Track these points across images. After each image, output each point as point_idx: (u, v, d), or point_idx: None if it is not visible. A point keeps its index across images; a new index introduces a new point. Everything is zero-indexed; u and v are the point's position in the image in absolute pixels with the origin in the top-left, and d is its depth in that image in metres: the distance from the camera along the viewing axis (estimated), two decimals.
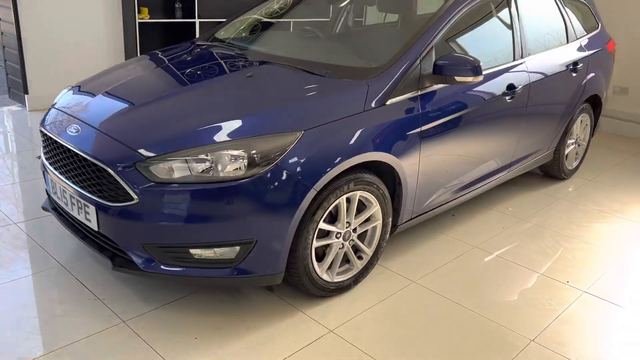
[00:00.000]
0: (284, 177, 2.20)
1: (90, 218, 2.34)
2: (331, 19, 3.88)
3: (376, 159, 2.49)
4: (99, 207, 2.27)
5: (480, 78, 2.73)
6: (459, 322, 2.52)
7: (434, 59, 2.74)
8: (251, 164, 2.17)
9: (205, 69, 2.91)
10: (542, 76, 3.56)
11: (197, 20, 6.10)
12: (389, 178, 2.70)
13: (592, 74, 4.12)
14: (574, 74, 3.90)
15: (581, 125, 4.33)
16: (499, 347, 2.36)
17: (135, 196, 2.17)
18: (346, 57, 3.10)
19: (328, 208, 2.39)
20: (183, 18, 6.06)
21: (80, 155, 2.34)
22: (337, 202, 2.42)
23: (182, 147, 2.19)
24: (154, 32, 6.06)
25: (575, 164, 4.47)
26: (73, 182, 2.40)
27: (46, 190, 2.76)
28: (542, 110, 3.66)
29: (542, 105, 3.64)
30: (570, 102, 3.93)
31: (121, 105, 2.57)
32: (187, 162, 2.17)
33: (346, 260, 2.65)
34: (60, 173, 2.50)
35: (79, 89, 2.88)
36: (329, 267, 2.56)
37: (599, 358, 2.36)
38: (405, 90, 2.66)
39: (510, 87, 3.24)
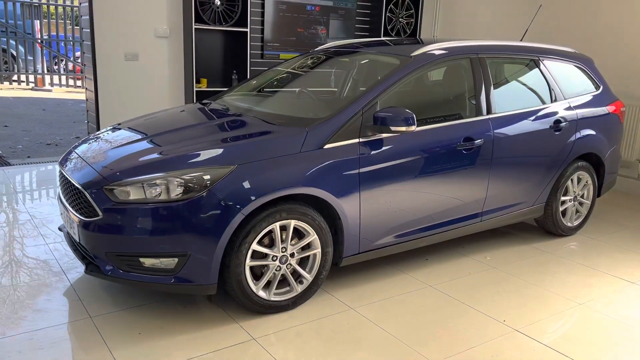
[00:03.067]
0: (214, 202, 2.69)
1: (75, 232, 2.95)
2: (307, 83, 4.33)
3: (306, 192, 2.91)
4: (80, 222, 2.88)
5: (413, 128, 3.08)
6: (374, 342, 2.77)
7: None
8: (187, 189, 2.69)
9: (191, 118, 3.55)
10: (512, 132, 3.79)
11: None
12: (334, 212, 3.07)
13: (584, 133, 4.24)
14: (557, 132, 4.07)
15: (579, 183, 4.41)
16: None
17: (100, 212, 2.76)
18: (302, 111, 3.60)
19: (260, 232, 2.82)
20: None
21: (71, 182, 3.00)
22: (270, 228, 2.85)
23: (139, 175, 2.77)
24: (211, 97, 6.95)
25: (577, 222, 4.50)
26: (69, 204, 3.05)
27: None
28: (516, 163, 3.86)
29: (514, 158, 3.84)
30: (555, 158, 4.08)
31: (118, 142, 3.24)
32: (143, 187, 2.74)
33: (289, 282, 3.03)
34: (64, 197, 3.16)
35: (118, 125, 3.66)
36: (268, 287, 2.95)
37: None
38: (345, 137, 3.08)
39: (468, 140, 3.53)
